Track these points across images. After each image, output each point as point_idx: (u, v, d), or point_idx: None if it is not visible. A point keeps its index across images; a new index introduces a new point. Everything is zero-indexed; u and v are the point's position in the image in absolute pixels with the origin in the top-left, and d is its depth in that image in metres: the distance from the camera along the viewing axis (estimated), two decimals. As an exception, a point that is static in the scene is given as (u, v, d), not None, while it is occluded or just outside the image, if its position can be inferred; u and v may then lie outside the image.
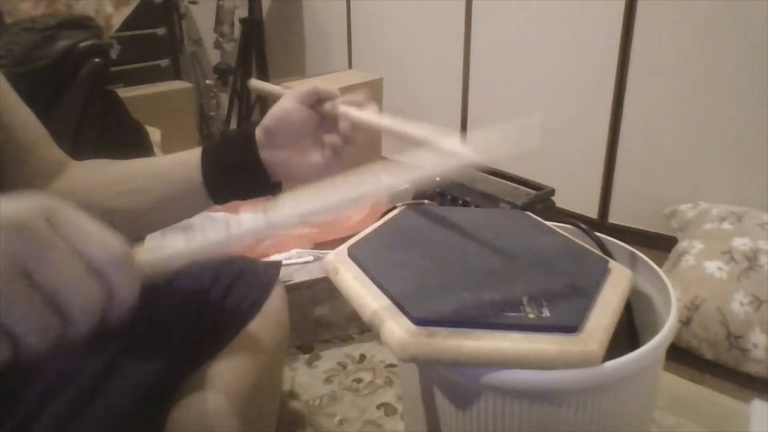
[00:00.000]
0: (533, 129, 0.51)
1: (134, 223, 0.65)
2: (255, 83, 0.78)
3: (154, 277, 0.37)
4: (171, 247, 0.39)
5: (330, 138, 0.63)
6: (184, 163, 0.63)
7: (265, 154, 0.63)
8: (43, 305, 0.32)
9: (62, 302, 0.32)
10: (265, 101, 2.80)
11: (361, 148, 0.66)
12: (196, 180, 0.62)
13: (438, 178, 0.51)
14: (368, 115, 0.63)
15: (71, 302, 0.32)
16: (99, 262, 0.34)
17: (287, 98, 0.63)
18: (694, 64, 1.63)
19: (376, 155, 2.01)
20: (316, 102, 0.63)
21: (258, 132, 0.63)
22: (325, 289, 1.23)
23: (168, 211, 0.66)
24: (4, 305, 0.30)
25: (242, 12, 2.66)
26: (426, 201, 0.79)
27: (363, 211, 1.40)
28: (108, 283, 0.34)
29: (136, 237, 1.17)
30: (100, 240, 0.34)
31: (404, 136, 0.62)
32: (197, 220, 0.71)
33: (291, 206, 0.43)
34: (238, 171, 0.63)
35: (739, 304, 1.22)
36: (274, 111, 0.63)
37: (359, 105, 0.63)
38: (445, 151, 0.58)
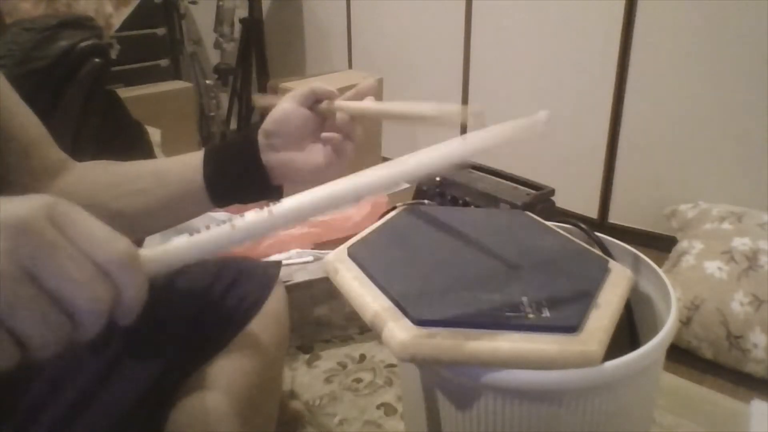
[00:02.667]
0: (540, 122, 0.51)
1: (135, 224, 0.65)
2: (259, 100, 0.78)
3: (159, 276, 0.37)
4: (175, 245, 0.39)
5: (329, 134, 0.63)
6: (186, 165, 0.64)
7: (267, 158, 0.63)
8: (50, 308, 0.31)
9: (69, 304, 0.32)
10: (265, 101, 2.80)
11: (361, 148, 0.65)
12: (197, 183, 0.63)
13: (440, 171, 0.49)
14: (364, 103, 0.62)
15: (78, 304, 0.32)
16: (105, 263, 0.33)
17: (286, 100, 0.63)
18: (694, 64, 1.63)
19: (376, 155, 2.02)
20: (315, 102, 0.63)
21: (259, 135, 0.63)
22: (325, 289, 1.23)
23: (169, 213, 0.66)
24: (10, 308, 0.30)
25: (242, 12, 2.66)
26: (426, 201, 0.79)
27: (363, 211, 1.40)
28: (115, 283, 0.34)
29: (136, 238, 1.17)
30: (105, 240, 0.34)
31: (403, 115, 0.61)
32: (198, 220, 0.71)
33: (294, 202, 0.42)
34: (240, 174, 0.63)
35: (739, 304, 1.22)
36: (274, 114, 0.63)
37: (358, 98, 0.63)
38: (446, 123, 0.57)
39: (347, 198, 0.48)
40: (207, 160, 0.63)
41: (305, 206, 0.43)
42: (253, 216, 0.41)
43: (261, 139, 0.63)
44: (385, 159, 2.19)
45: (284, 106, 0.63)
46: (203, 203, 0.64)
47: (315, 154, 0.64)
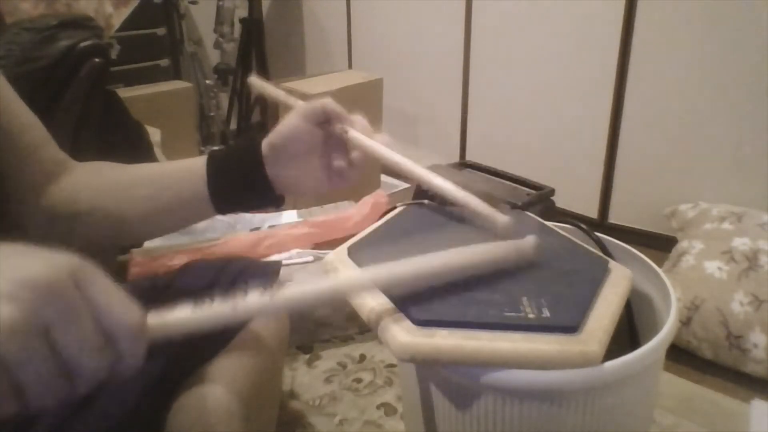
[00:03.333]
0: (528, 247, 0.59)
1: (137, 229, 0.65)
2: (255, 81, 0.78)
3: (160, 341, 0.39)
4: (179, 315, 0.41)
5: (338, 163, 0.64)
6: (189, 172, 0.64)
7: (271, 169, 0.63)
8: (55, 366, 0.32)
9: (74, 366, 0.33)
10: (266, 102, 2.79)
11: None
12: (200, 190, 0.63)
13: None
14: (379, 147, 0.63)
15: (82, 367, 0.33)
16: (116, 332, 0.35)
17: (294, 116, 0.63)
18: (694, 64, 1.63)
19: (376, 164, 2.02)
20: (324, 120, 0.63)
21: (264, 147, 0.63)
22: (325, 289, 1.23)
23: (171, 218, 0.66)
24: (20, 362, 0.31)
25: (242, 12, 2.66)
26: (426, 201, 0.79)
27: (363, 211, 1.40)
28: (120, 350, 0.35)
29: (137, 241, 1.17)
30: (122, 310, 0.35)
31: (411, 174, 0.64)
32: (201, 223, 0.71)
33: (296, 288, 0.46)
34: (244, 184, 0.63)
35: (739, 304, 1.22)
36: (281, 128, 0.63)
37: (368, 130, 0.64)
38: (448, 198, 0.62)
39: (348, 295, 0.53)
40: (210, 167, 0.63)
41: (306, 298, 0.47)
42: (254, 300, 0.43)
43: (266, 150, 0.63)
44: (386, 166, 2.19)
45: (292, 122, 0.62)
46: (206, 209, 0.64)
47: (318, 170, 0.64)
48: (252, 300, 0.43)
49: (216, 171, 0.63)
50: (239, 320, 0.42)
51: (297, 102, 0.71)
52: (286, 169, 0.63)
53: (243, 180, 0.63)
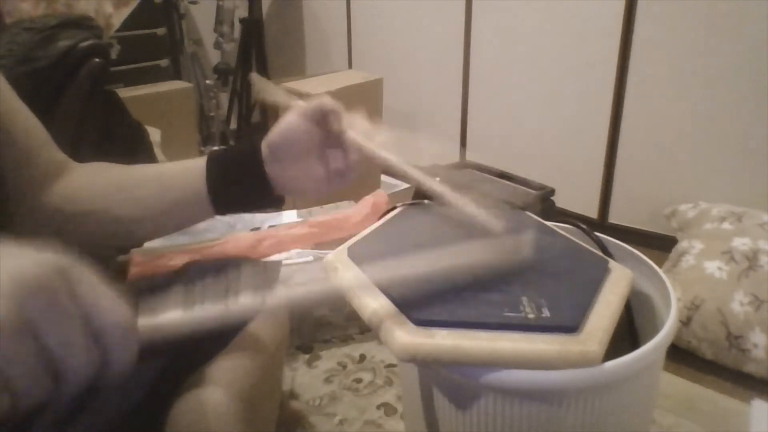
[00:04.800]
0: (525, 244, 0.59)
1: (137, 229, 0.66)
2: (256, 79, 0.78)
3: (150, 344, 0.39)
4: (170, 317, 0.41)
5: (336, 163, 0.63)
6: (189, 172, 0.64)
7: (270, 169, 0.63)
8: (43, 365, 0.32)
9: (61, 364, 0.33)
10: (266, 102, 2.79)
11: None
12: (200, 190, 0.63)
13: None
14: (377, 149, 0.63)
15: (70, 366, 0.33)
16: (104, 330, 0.34)
17: (293, 114, 0.63)
18: (694, 63, 1.63)
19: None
20: (322, 118, 0.63)
21: (263, 146, 0.63)
22: (325, 289, 1.23)
23: (170, 219, 0.66)
24: (8, 360, 0.31)
25: (242, 12, 2.66)
26: (426, 201, 0.79)
27: (363, 211, 1.40)
28: (107, 351, 0.35)
29: (137, 241, 1.17)
30: (110, 309, 0.35)
31: (410, 178, 0.64)
32: (201, 223, 0.71)
33: (286, 291, 0.46)
34: (243, 184, 0.63)
35: (739, 304, 1.22)
36: (280, 126, 0.63)
37: (366, 128, 0.63)
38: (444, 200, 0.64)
39: (338, 297, 0.53)
40: (210, 168, 0.63)
41: (296, 300, 0.47)
42: (247, 301, 0.43)
43: (265, 150, 0.63)
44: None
45: (290, 120, 0.62)
46: (205, 210, 0.64)
47: (318, 169, 0.64)
48: (244, 302, 0.43)
49: (216, 171, 0.63)
50: (231, 322, 0.42)
51: (297, 102, 0.71)
52: (286, 168, 0.63)
53: (242, 179, 0.63)
